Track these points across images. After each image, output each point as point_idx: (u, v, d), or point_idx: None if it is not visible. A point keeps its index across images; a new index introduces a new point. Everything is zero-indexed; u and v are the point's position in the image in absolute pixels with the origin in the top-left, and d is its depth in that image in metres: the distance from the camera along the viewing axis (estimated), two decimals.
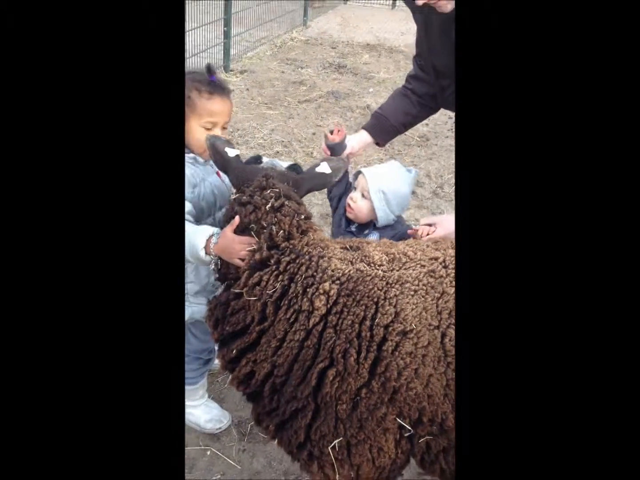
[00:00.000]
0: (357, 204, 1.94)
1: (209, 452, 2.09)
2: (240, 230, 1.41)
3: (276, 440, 1.46)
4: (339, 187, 2.05)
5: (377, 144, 2.22)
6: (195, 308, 1.85)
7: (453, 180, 4.22)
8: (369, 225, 2.00)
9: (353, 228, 2.02)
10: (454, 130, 4.70)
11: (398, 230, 1.95)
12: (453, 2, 1.67)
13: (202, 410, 2.16)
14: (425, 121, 5.02)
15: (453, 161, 4.45)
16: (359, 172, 1.98)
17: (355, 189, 1.98)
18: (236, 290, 1.36)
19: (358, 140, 2.15)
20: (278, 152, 4.46)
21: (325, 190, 2.02)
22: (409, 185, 1.94)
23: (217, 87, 1.73)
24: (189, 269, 1.80)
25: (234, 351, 1.38)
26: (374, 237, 1.96)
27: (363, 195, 1.93)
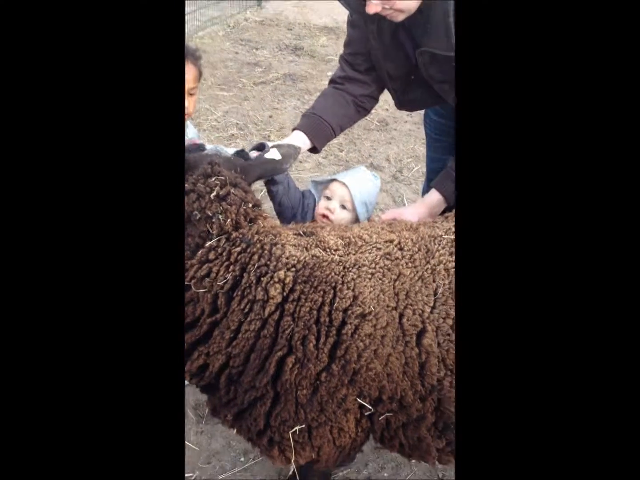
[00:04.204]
0: (337, 216, 1.78)
1: None
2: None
3: (235, 429, 1.45)
4: (292, 198, 1.82)
5: (313, 149, 1.94)
6: None
7: (412, 165, 4.26)
8: None
9: None
10: (412, 115, 4.73)
11: None
12: (405, 13, 1.63)
13: None
14: (384, 105, 4.96)
15: (412, 145, 4.53)
16: (332, 180, 1.81)
17: (328, 198, 1.81)
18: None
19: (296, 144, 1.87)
20: (233, 134, 4.37)
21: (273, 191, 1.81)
22: (377, 194, 1.89)
23: None
24: None
25: (185, 345, 1.34)
26: None
27: (343, 206, 1.79)
